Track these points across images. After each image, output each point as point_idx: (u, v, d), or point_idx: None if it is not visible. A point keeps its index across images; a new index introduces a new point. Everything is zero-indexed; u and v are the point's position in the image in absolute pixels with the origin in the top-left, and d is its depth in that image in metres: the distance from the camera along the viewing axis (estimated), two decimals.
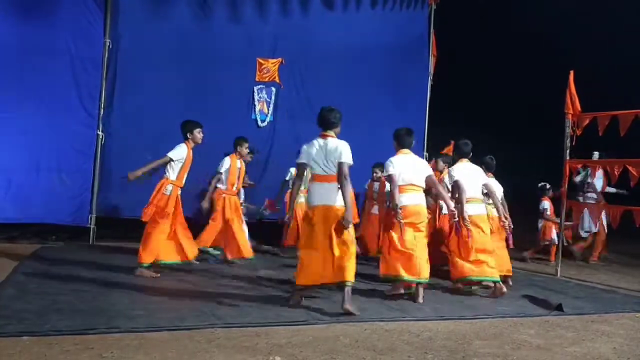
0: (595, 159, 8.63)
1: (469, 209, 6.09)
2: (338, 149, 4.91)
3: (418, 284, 5.46)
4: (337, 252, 4.79)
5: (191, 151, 6.17)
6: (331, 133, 5.04)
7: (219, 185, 7.04)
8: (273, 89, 9.04)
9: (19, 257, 6.53)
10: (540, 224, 9.11)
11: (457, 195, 6.14)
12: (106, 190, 8.12)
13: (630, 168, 7.08)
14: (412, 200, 5.63)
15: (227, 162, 7.07)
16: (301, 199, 7.75)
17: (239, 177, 7.16)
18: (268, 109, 9.02)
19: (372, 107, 9.50)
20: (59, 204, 7.83)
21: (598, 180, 9.09)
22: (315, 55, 9.19)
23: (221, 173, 7.04)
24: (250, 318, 4.43)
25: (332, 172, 4.90)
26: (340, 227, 4.82)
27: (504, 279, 6.36)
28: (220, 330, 4.05)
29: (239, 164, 7.16)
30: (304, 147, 5.07)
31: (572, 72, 7.57)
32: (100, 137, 8.07)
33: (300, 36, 9.15)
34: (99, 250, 7.51)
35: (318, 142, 5.00)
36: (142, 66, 8.24)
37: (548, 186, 9.00)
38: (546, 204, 8.96)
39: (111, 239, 8.15)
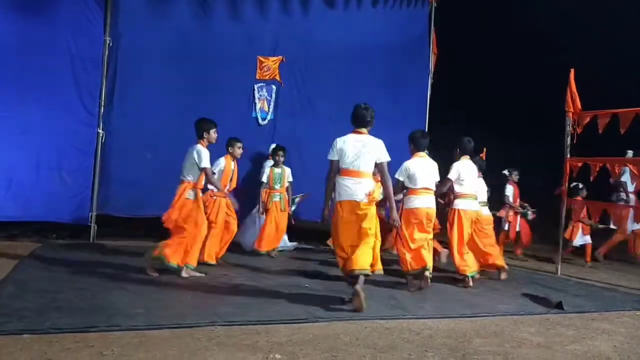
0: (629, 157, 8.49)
1: (462, 204, 6.49)
2: (377, 147, 5.06)
3: (423, 270, 5.83)
4: (359, 244, 4.96)
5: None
6: (365, 130, 5.13)
7: (209, 187, 6.75)
8: (273, 86, 9.04)
9: (19, 255, 6.52)
10: (570, 225, 8.99)
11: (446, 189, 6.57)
12: (106, 189, 8.11)
13: (630, 166, 7.08)
14: (426, 203, 5.96)
15: (221, 162, 6.86)
16: (276, 197, 7.79)
17: (231, 179, 7.01)
18: (268, 107, 9.02)
19: (372, 105, 9.42)
20: (60, 203, 7.82)
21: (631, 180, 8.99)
22: (316, 54, 9.18)
23: (214, 173, 6.77)
24: (251, 316, 4.43)
25: (363, 169, 5.02)
26: (369, 222, 4.95)
27: (498, 270, 6.87)
28: (220, 328, 4.05)
29: (233, 165, 7.00)
30: (337, 142, 5.11)
31: (572, 70, 7.57)
32: (101, 135, 8.06)
33: (301, 34, 9.14)
34: (99, 248, 7.50)
35: (353, 138, 5.09)
36: (143, 64, 8.23)
37: (581, 186, 8.78)
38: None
39: (111, 238, 8.15)
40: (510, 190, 9.11)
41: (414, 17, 10.01)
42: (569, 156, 7.66)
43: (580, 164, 7.65)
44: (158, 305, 4.60)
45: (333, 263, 7.23)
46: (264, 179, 7.86)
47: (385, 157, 5.09)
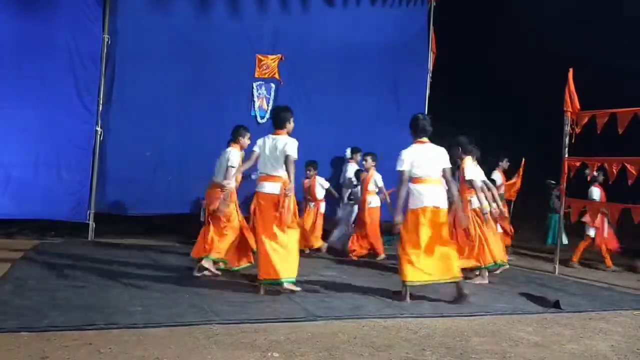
0: None
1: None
2: (441, 154, 5.40)
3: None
4: (442, 250, 5.23)
5: None
6: (427, 139, 5.43)
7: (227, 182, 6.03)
8: (272, 85, 9.03)
9: (17, 253, 6.52)
10: None
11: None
12: (105, 187, 8.11)
13: (628, 166, 7.08)
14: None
15: (237, 154, 6.17)
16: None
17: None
18: (267, 105, 9.01)
19: (371, 103, 9.53)
20: (58, 200, 7.82)
21: None
22: (315, 52, 9.17)
23: (234, 167, 6.04)
24: (249, 314, 4.44)
25: (436, 176, 5.33)
26: (444, 228, 5.30)
27: None
28: (218, 327, 4.06)
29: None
30: (406, 153, 5.33)
31: (571, 70, 7.56)
32: (99, 133, 8.06)
33: (300, 32, 9.13)
34: (98, 246, 7.50)
35: (419, 148, 5.37)
36: (141, 62, 8.23)
37: None
38: None
39: (110, 235, 8.16)
40: (597, 194, 8.55)
41: (413, 16, 10.01)
42: (567, 156, 7.66)
43: (578, 164, 7.65)
44: (156, 304, 4.60)
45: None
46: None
47: (448, 163, 5.42)
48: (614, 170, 7.14)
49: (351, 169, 8.59)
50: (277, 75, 9.04)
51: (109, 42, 8.09)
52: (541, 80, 12.66)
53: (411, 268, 5.18)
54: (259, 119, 8.97)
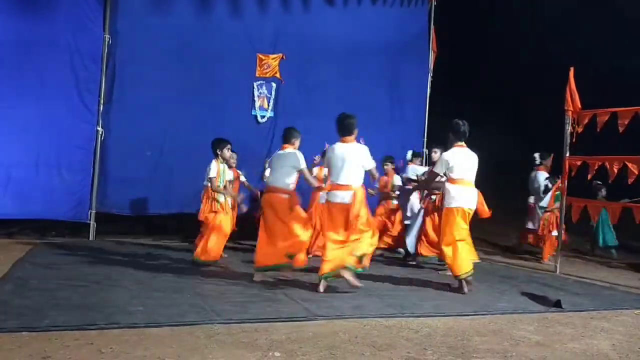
0: None
1: None
2: (475, 159, 5.80)
3: None
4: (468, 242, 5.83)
5: None
6: (464, 144, 5.80)
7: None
8: (273, 84, 9.03)
9: (18, 252, 6.52)
10: None
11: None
12: (106, 187, 8.13)
13: (629, 165, 7.08)
14: None
15: (302, 156, 6.07)
16: (221, 198, 6.75)
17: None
18: (268, 105, 9.01)
19: (372, 102, 9.52)
20: (58, 200, 7.83)
21: None
22: (316, 51, 9.19)
23: (307, 168, 6.05)
24: (250, 314, 4.43)
25: (470, 179, 5.73)
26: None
27: None
28: (219, 326, 4.05)
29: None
30: (448, 157, 5.75)
31: (572, 69, 7.56)
32: (100, 133, 8.06)
33: (301, 32, 9.13)
34: (99, 246, 7.51)
35: (459, 152, 5.74)
36: (142, 62, 8.24)
37: None
38: None
39: (111, 235, 8.16)
40: None
41: (414, 15, 10.03)
42: (568, 155, 7.65)
43: (579, 163, 7.64)
44: (157, 303, 4.60)
45: None
46: None
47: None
48: (615, 169, 7.14)
49: (412, 170, 8.67)
50: (278, 75, 9.04)
51: (110, 41, 8.10)
52: (541, 79, 12.68)
53: (457, 260, 5.68)
54: (259, 119, 8.98)
